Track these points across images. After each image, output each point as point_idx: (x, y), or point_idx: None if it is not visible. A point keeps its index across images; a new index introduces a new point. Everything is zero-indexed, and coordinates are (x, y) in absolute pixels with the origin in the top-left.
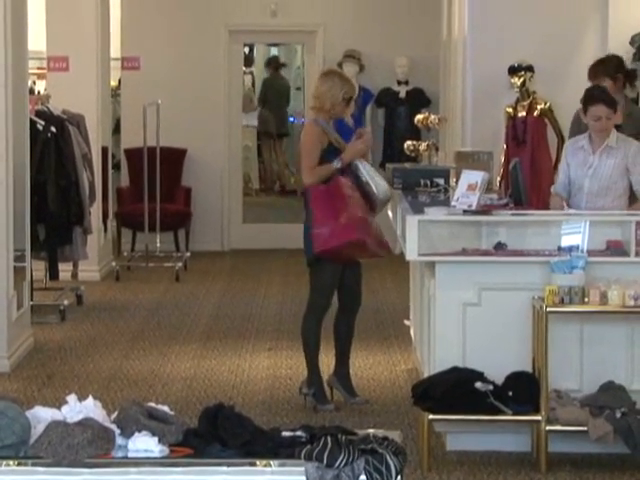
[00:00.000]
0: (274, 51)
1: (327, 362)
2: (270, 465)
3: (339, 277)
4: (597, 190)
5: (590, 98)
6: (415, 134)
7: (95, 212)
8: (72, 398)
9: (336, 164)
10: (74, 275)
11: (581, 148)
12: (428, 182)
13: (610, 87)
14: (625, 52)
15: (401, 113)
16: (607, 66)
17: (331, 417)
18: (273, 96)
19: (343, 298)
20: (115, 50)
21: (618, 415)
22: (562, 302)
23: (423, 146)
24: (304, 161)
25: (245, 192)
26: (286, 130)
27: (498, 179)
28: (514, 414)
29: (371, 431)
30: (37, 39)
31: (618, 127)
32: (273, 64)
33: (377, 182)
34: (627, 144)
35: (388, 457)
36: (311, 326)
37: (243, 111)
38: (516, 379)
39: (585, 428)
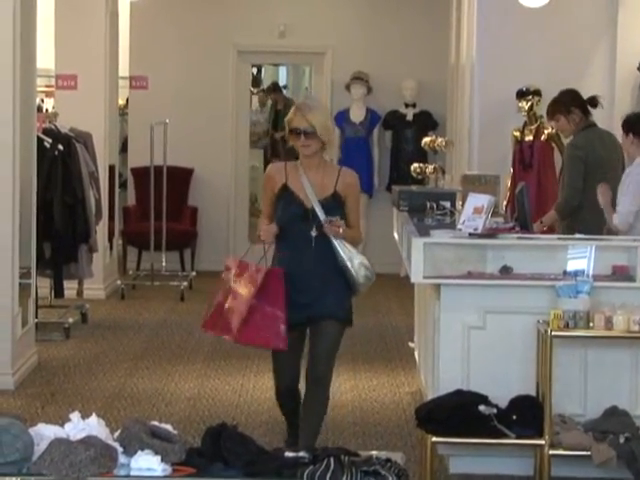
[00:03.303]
0: (282, 72)
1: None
2: None
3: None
4: None
5: None
6: (422, 157)
7: (101, 230)
8: (75, 416)
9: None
10: (79, 293)
11: None
12: (434, 205)
13: (563, 123)
14: (633, 78)
15: (408, 135)
16: (558, 104)
17: (334, 438)
18: (281, 119)
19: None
20: (123, 69)
21: (622, 440)
22: (567, 326)
23: (430, 169)
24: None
25: (251, 212)
26: (291, 149)
27: (504, 203)
28: (517, 438)
29: (374, 453)
30: (46, 57)
31: None
32: (274, 90)
33: (355, 264)
34: None
35: (391, 479)
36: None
37: (256, 146)
38: (520, 403)
39: (588, 453)
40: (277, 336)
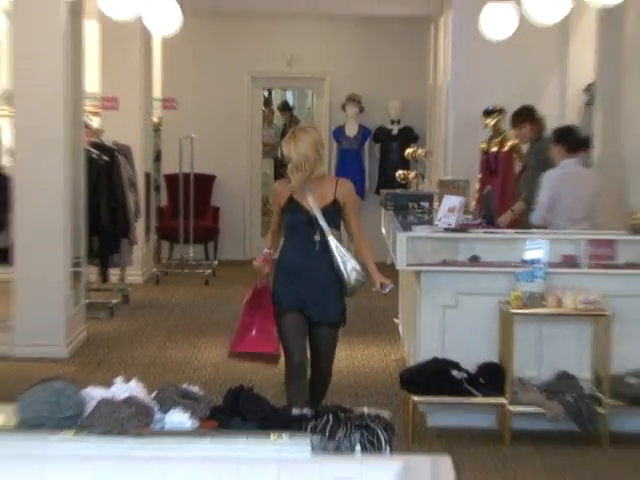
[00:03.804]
0: (289, 94)
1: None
2: (282, 437)
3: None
4: None
5: None
6: (405, 165)
7: (139, 226)
8: (119, 380)
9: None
10: (121, 278)
11: None
12: (415, 205)
13: (527, 131)
14: (580, 99)
15: (394, 147)
16: (526, 114)
17: (332, 398)
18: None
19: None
20: (156, 92)
21: (569, 399)
22: (525, 305)
23: (412, 175)
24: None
25: (263, 212)
26: None
27: (473, 203)
28: (484, 397)
29: (365, 410)
30: (93, 83)
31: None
32: (285, 109)
33: (348, 268)
34: None
35: (379, 431)
36: None
37: (267, 156)
38: (486, 368)
39: (542, 410)
40: (268, 342)
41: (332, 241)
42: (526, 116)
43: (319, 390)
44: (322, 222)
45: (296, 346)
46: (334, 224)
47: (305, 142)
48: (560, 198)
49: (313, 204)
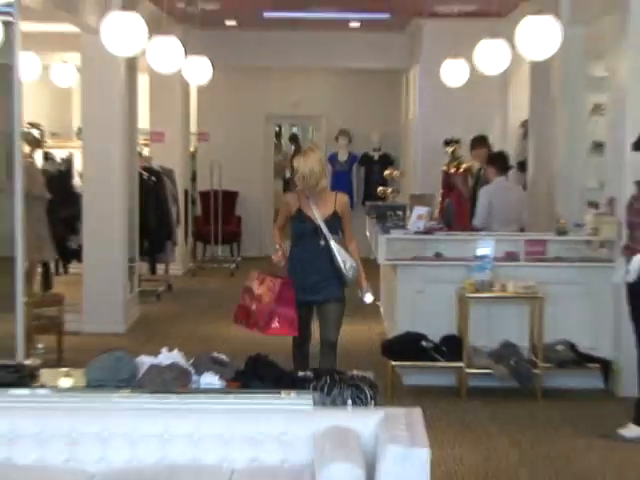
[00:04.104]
0: (295, 129)
1: None
2: (290, 394)
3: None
4: None
5: None
6: (384, 183)
7: (180, 231)
8: (164, 350)
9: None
10: (166, 271)
11: None
12: (392, 213)
13: (484, 153)
14: (518, 132)
15: (375, 169)
16: (485, 141)
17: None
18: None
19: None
20: (193, 127)
21: (512, 363)
22: (477, 291)
23: (389, 191)
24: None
25: (275, 220)
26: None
27: (437, 212)
28: (446, 362)
29: (355, 372)
30: (144, 120)
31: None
32: (293, 139)
33: (347, 266)
34: None
35: (366, 389)
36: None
37: (277, 177)
38: (448, 340)
39: (491, 371)
40: (292, 327)
41: (334, 245)
42: (482, 141)
43: (329, 357)
44: (325, 230)
45: (302, 331)
46: (334, 231)
47: (312, 158)
48: (494, 206)
49: (317, 215)
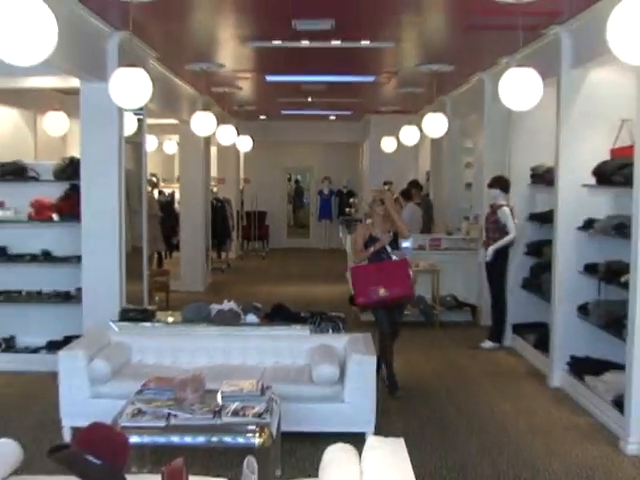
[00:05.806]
0: (299, 176)
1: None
2: (297, 326)
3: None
4: None
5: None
6: (350, 206)
7: (234, 234)
8: (225, 301)
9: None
10: (226, 256)
11: None
12: (354, 222)
13: (417, 193)
14: (425, 178)
15: (344, 199)
16: (416, 184)
17: (319, 309)
18: (298, 195)
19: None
20: (242, 175)
21: (421, 306)
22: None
23: (353, 210)
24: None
25: (288, 225)
26: (302, 204)
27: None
28: None
29: (333, 313)
30: (214, 171)
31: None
32: (297, 181)
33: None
34: None
35: (339, 322)
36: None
37: (289, 203)
38: None
39: (409, 312)
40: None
41: (393, 255)
42: (417, 185)
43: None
44: (388, 248)
45: (386, 320)
46: (392, 246)
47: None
48: (408, 220)
49: (384, 239)
